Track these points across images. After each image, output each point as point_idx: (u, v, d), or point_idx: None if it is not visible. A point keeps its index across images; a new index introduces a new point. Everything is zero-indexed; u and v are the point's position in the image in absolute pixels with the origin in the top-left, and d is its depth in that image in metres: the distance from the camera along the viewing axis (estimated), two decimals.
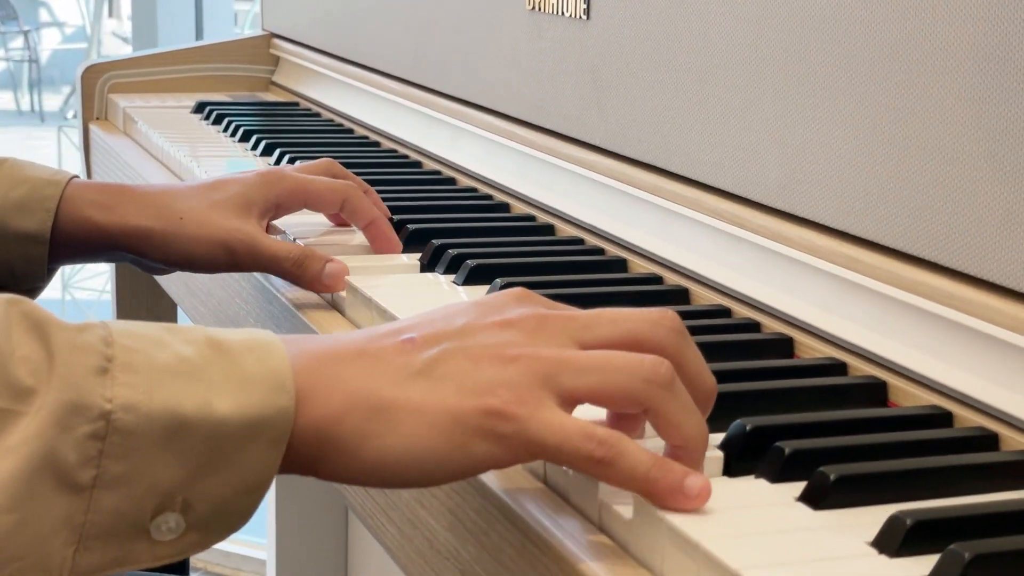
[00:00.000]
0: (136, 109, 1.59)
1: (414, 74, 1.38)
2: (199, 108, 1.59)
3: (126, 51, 7.22)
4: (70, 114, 7.04)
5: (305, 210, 1.01)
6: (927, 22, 0.75)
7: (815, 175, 0.84)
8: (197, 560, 2.50)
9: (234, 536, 2.57)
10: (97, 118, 1.69)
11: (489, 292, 0.88)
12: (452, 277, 0.95)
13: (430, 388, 0.61)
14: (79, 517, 0.56)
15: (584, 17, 1.06)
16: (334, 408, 0.60)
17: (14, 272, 0.99)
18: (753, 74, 0.89)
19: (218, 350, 0.59)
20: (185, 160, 1.32)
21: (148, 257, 0.97)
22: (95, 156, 1.64)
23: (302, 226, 1.05)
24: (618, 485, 0.61)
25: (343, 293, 0.92)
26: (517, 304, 0.64)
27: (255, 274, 1.01)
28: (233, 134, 1.45)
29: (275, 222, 1.02)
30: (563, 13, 1.09)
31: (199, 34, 4.41)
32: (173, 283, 1.32)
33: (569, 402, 0.62)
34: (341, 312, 0.93)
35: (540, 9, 1.12)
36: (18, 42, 7.80)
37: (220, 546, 2.43)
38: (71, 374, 0.56)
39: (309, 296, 0.95)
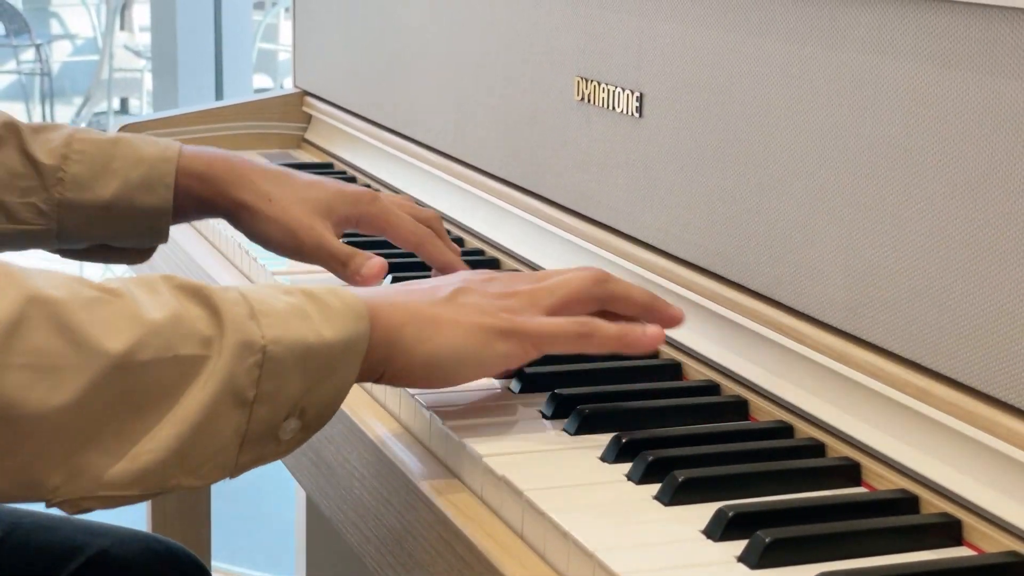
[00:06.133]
0: None
1: (454, 148, 1.37)
2: None
3: (138, 64, 7.19)
4: (82, 126, 7.02)
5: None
6: (1004, 159, 0.74)
7: (883, 301, 0.83)
8: None
9: (261, 573, 2.52)
10: None
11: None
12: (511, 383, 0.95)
13: (458, 310, 0.85)
14: (244, 426, 0.75)
15: (636, 115, 1.05)
16: (397, 320, 0.82)
17: (141, 240, 1.13)
18: (817, 191, 0.88)
19: (310, 296, 0.79)
20: (227, 232, 1.31)
21: (237, 225, 1.12)
22: None
23: None
24: (601, 349, 0.87)
25: None
26: (489, 273, 0.90)
27: None
28: None
29: None
30: (614, 108, 1.07)
31: (218, 46, 4.39)
32: None
33: (549, 314, 0.87)
34: None
35: (589, 101, 1.11)
36: (29, 54, 7.80)
37: None
38: (236, 321, 0.75)
39: None
